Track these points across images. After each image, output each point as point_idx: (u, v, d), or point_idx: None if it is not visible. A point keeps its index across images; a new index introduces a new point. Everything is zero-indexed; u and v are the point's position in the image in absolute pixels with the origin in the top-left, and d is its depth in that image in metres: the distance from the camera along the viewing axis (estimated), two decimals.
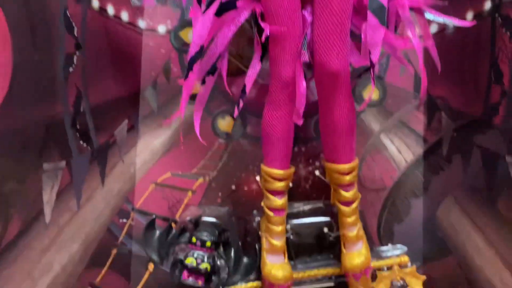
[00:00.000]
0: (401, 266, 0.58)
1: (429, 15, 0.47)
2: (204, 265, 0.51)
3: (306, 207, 0.59)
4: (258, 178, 0.59)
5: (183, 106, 0.45)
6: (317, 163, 0.60)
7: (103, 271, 0.55)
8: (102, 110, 0.54)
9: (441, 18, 0.47)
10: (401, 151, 0.60)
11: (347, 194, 0.52)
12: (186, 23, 0.62)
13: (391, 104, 0.61)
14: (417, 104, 0.60)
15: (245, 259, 0.53)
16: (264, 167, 0.52)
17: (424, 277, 0.58)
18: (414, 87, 0.61)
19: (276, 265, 0.53)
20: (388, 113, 0.61)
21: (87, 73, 0.53)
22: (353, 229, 0.54)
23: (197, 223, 0.52)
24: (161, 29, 0.62)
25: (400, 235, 0.60)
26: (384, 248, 0.59)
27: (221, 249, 0.53)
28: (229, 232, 0.52)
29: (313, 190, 0.60)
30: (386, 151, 0.60)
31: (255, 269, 0.53)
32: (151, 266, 0.60)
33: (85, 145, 0.51)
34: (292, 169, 0.52)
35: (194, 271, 0.51)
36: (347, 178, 0.51)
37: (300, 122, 0.48)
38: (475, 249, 0.52)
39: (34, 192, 0.45)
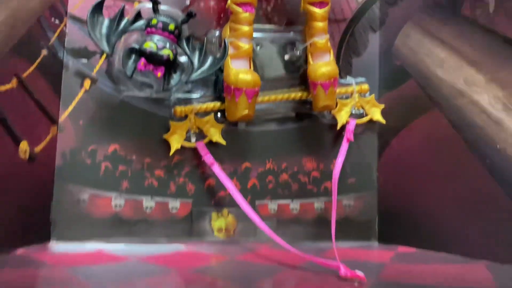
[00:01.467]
0: (361, 94, 0.57)
1: None
2: (166, 51, 0.44)
3: (269, 26, 0.55)
4: None
5: None
6: None
7: (31, 68, 0.45)
8: None
9: None
10: None
11: None
12: None
13: None
14: None
15: (210, 57, 0.47)
16: None
17: (382, 106, 0.57)
18: None
19: (242, 70, 0.49)
20: None
21: None
22: (322, 37, 0.51)
23: (156, 5, 0.45)
24: None
25: (358, 68, 0.58)
26: (344, 79, 0.58)
27: (184, 43, 0.46)
28: (194, 18, 0.46)
29: (274, 13, 0.56)
30: None
31: (220, 72, 0.47)
32: (87, 83, 0.50)
33: None
34: None
35: (153, 59, 0.44)
36: None
37: None
38: (437, 62, 0.53)
39: None
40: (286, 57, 0.55)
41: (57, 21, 0.49)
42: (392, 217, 0.56)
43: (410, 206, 0.55)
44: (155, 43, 0.44)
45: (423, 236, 0.53)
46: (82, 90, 0.50)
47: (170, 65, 0.45)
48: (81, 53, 0.51)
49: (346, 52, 0.59)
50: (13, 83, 0.42)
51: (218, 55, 0.48)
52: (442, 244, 0.50)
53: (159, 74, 0.45)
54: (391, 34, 0.59)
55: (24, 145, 0.44)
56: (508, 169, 0.45)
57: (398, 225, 0.55)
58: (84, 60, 0.50)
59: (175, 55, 0.45)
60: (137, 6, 0.50)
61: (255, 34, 0.52)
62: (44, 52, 0.47)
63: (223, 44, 0.48)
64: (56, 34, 0.48)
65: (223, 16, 0.53)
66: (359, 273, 0.40)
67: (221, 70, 0.50)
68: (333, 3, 0.58)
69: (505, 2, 0.47)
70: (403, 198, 0.56)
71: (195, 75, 0.46)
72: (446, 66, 0.52)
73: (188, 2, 0.53)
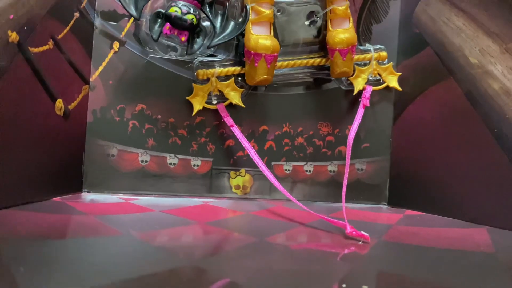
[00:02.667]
0: (379, 61, 0.58)
1: None
2: (190, 16, 0.46)
3: None
4: None
5: None
6: None
7: (65, 30, 0.48)
8: None
9: None
10: None
11: None
12: None
13: None
14: None
15: (231, 22, 0.49)
16: None
17: (399, 74, 0.59)
18: None
19: (263, 35, 0.51)
20: None
21: None
22: (342, 3, 0.52)
23: None
24: None
25: (378, 35, 0.59)
26: (362, 45, 0.59)
27: (207, 8, 0.48)
28: None
29: None
30: None
31: (242, 29, 0.49)
32: (116, 45, 0.53)
33: None
34: None
35: (178, 24, 0.46)
36: None
37: None
38: (455, 31, 0.53)
39: None
40: (307, 22, 0.56)
41: None
42: (403, 181, 0.59)
43: (421, 171, 0.57)
44: (179, 8, 0.46)
45: (431, 201, 0.55)
46: (112, 52, 0.53)
47: (194, 30, 0.47)
48: (111, 16, 0.53)
49: (367, 18, 0.60)
50: (50, 44, 0.45)
51: (240, 20, 0.50)
52: (448, 209, 0.53)
53: (183, 38, 0.47)
54: (412, 1, 0.59)
55: (59, 103, 0.47)
56: None
57: (408, 190, 0.58)
58: (113, 23, 0.53)
59: (199, 20, 0.47)
60: None
61: (277, 1, 0.54)
62: (77, 14, 0.50)
63: (244, 9, 0.50)
64: None
65: None
66: (364, 233, 0.43)
67: (242, 35, 0.52)
68: None
69: None
70: (414, 164, 0.58)
71: (216, 40, 0.48)
72: (463, 35, 0.53)
73: None
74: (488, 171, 0.49)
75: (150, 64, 0.54)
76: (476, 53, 0.51)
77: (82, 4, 0.51)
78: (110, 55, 0.53)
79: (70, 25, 0.49)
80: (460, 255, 0.39)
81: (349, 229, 0.43)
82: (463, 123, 0.52)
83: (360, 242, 0.42)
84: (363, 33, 0.60)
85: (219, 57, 0.55)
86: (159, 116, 0.55)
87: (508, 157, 0.47)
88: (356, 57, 0.57)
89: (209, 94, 0.55)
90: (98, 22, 0.53)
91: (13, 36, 0.40)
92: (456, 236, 0.46)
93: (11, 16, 0.39)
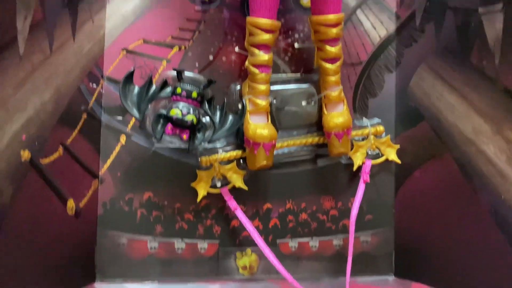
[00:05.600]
0: (377, 136, 0.60)
1: None
2: (190, 117, 0.49)
3: (286, 76, 0.59)
4: (237, 49, 0.58)
5: None
6: (296, 35, 0.59)
7: (74, 133, 0.51)
8: None
9: None
10: (376, 27, 0.61)
11: (333, 49, 0.52)
12: None
13: None
14: None
15: (230, 116, 0.51)
16: (251, 19, 0.51)
17: (398, 146, 0.60)
18: None
19: (260, 125, 0.53)
20: None
21: None
22: (335, 89, 0.54)
23: (180, 74, 0.50)
24: None
25: (374, 109, 0.61)
26: (359, 120, 0.61)
27: (206, 105, 0.51)
28: (214, 84, 0.50)
29: (292, 62, 0.59)
30: (361, 27, 0.61)
31: (241, 124, 0.52)
32: (123, 138, 0.56)
33: None
34: (279, 23, 0.51)
35: (179, 124, 0.49)
36: (334, 31, 0.51)
37: None
38: (448, 107, 0.55)
39: (7, 17, 0.41)
40: (303, 103, 0.59)
41: (94, 85, 0.55)
42: (408, 252, 0.59)
43: (425, 243, 0.57)
44: (180, 110, 0.49)
45: (435, 274, 0.56)
46: (119, 145, 0.56)
47: (194, 128, 0.50)
48: (116, 110, 0.56)
49: (362, 93, 0.61)
50: (60, 151, 0.48)
51: (238, 112, 0.52)
52: (453, 284, 0.53)
53: (185, 136, 0.50)
54: (407, 75, 0.61)
55: (71, 203, 0.50)
56: (511, 219, 0.47)
57: (414, 261, 0.58)
58: (119, 117, 0.56)
59: (199, 119, 0.50)
60: (162, 73, 0.55)
61: (272, 87, 0.56)
62: (85, 116, 0.53)
63: (241, 103, 0.52)
64: (94, 97, 0.54)
65: (244, 69, 0.57)
66: None
67: (241, 123, 0.55)
68: (349, 47, 0.61)
69: (510, 55, 0.48)
70: (418, 235, 0.58)
71: (216, 135, 0.51)
72: (456, 112, 0.54)
73: (211, 58, 0.58)
74: (489, 250, 0.49)
75: (156, 153, 0.57)
76: (469, 131, 0.53)
77: (90, 105, 0.54)
78: (117, 148, 0.56)
79: (78, 127, 0.52)
80: None
81: None
82: (460, 200, 0.53)
83: None
84: (360, 108, 0.61)
85: (221, 141, 0.57)
86: (166, 203, 0.57)
87: (505, 237, 0.47)
88: (354, 132, 0.59)
89: (213, 179, 0.57)
90: (104, 118, 0.56)
91: (25, 155, 0.43)
92: None
93: (24, 137, 0.42)
